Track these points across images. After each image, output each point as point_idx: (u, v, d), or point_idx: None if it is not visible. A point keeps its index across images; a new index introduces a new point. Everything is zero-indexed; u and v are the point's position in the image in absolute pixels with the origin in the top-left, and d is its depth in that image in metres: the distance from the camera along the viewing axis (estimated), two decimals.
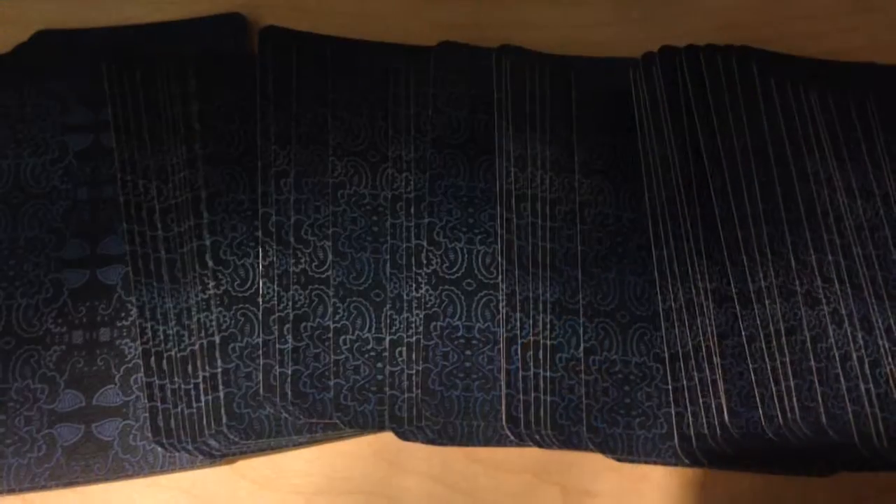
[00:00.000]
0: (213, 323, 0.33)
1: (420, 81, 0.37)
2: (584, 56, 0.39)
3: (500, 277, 0.34)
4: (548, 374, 0.33)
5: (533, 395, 0.33)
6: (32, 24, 0.37)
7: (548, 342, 0.33)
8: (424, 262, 0.34)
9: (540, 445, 0.33)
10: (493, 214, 0.35)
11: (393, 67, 0.37)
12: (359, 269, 0.34)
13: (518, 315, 0.33)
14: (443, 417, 0.33)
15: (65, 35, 0.37)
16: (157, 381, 0.32)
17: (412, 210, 0.35)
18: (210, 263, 0.33)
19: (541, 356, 0.33)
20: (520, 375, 0.33)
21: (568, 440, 0.33)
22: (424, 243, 0.35)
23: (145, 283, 0.33)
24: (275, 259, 0.34)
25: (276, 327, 0.33)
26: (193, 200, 0.34)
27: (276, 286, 0.33)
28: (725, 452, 0.33)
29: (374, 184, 0.35)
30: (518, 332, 0.33)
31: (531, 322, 0.34)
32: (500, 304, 0.34)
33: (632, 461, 0.33)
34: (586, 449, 0.33)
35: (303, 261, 0.34)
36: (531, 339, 0.33)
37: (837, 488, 0.34)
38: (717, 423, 0.32)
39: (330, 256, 0.34)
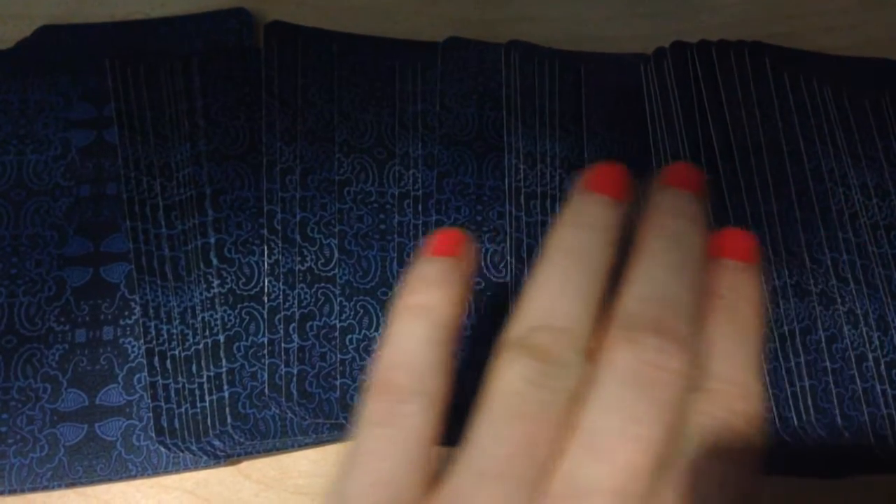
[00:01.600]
0: (218, 322, 0.32)
1: (427, 78, 0.37)
2: (594, 51, 0.38)
3: (509, 276, 0.34)
4: None
5: None
6: (36, 19, 0.37)
7: None
8: None
9: None
10: (502, 212, 0.35)
11: (400, 63, 0.37)
12: (365, 267, 0.34)
13: None
14: (450, 418, 0.32)
15: (68, 30, 0.37)
16: (160, 381, 0.32)
17: (419, 208, 0.35)
18: (214, 261, 0.33)
19: None
20: None
21: None
22: None
23: (149, 282, 0.33)
24: (280, 257, 0.33)
25: (282, 326, 0.33)
26: (198, 197, 0.33)
27: (281, 284, 0.33)
28: None
29: (380, 181, 0.35)
30: None
31: None
32: (510, 303, 0.33)
33: None
34: None
35: (309, 259, 0.34)
36: None
37: (851, 491, 0.33)
38: None
39: (336, 254, 0.34)
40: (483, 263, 0.34)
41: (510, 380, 0.21)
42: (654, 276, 0.22)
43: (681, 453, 0.21)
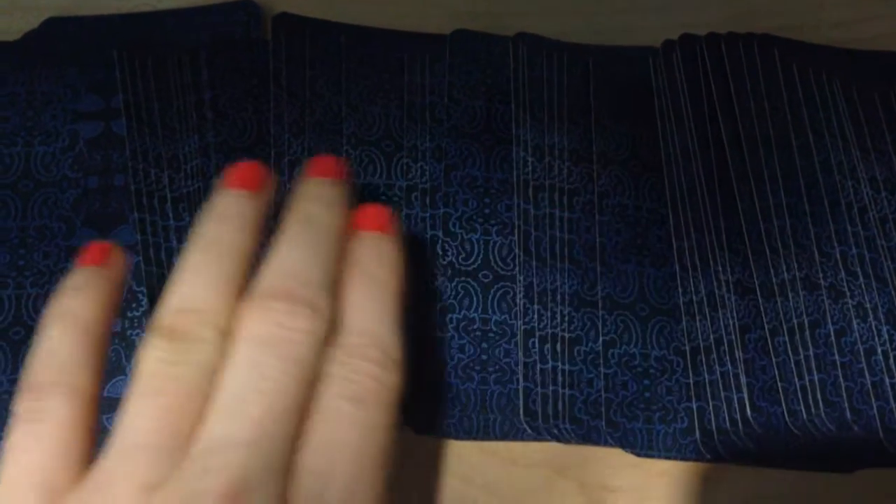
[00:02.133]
0: None
1: (435, 70, 0.36)
2: (602, 44, 0.38)
3: (517, 269, 0.34)
4: (566, 367, 0.32)
5: (551, 388, 0.32)
6: (43, 11, 0.37)
7: (566, 335, 0.33)
8: (440, 253, 0.34)
9: (558, 439, 0.32)
10: (510, 205, 0.35)
11: (408, 55, 0.37)
12: None
13: (536, 307, 0.33)
14: (459, 411, 0.32)
15: (75, 22, 0.37)
16: None
17: (427, 200, 0.35)
18: None
19: (559, 349, 0.33)
20: (538, 368, 0.32)
21: (587, 434, 0.32)
22: (440, 234, 0.34)
23: (157, 274, 0.32)
24: None
25: None
26: (206, 189, 0.33)
27: None
28: (747, 448, 0.32)
29: (388, 174, 0.35)
30: (536, 324, 0.33)
31: (549, 314, 0.33)
32: (518, 296, 0.33)
33: (652, 456, 0.32)
34: (605, 444, 0.32)
35: None
36: (549, 331, 0.33)
37: (861, 485, 0.33)
38: (739, 417, 0.32)
39: None
40: (491, 256, 0.34)
41: (148, 361, 0.24)
42: (285, 253, 0.25)
43: (319, 402, 0.24)
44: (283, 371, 0.23)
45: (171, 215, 0.33)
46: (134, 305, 0.33)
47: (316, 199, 0.27)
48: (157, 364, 0.23)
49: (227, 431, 0.22)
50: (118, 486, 0.22)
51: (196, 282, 0.25)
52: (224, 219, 0.26)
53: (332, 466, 0.23)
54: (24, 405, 0.24)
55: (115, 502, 0.22)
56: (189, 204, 0.33)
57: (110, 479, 0.22)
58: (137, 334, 0.32)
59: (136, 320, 0.33)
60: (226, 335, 0.24)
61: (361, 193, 0.34)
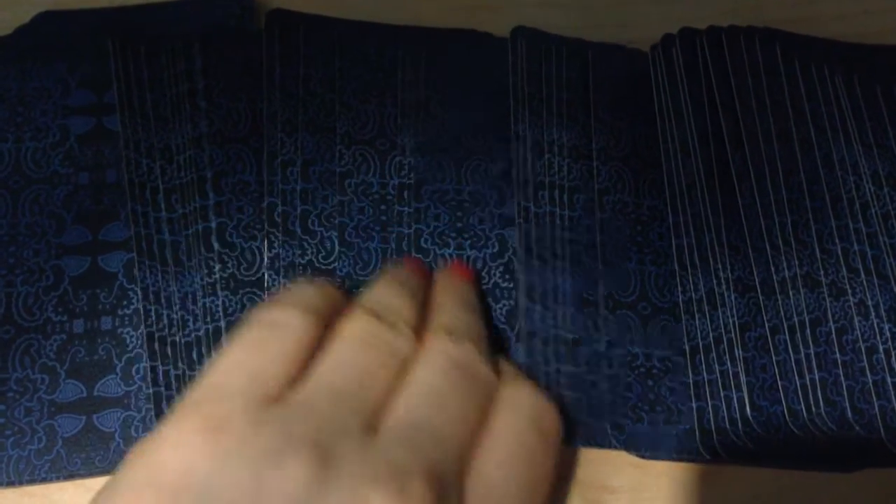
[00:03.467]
0: (219, 308, 0.32)
1: (431, 66, 0.36)
2: (602, 38, 0.38)
3: (517, 268, 0.33)
4: (569, 369, 0.32)
5: (554, 391, 0.32)
6: (35, 5, 0.36)
7: (568, 335, 0.32)
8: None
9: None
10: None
11: (403, 52, 0.36)
12: (366, 259, 0.33)
13: (537, 307, 0.32)
14: None
15: (67, 16, 0.36)
16: (160, 367, 0.31)
17: None
18: (216, 246, 0.32)
19: (562, 350, 0.32)
20: (541, 371, 0.32)
21: (591, 437, 0.31)
22: None
23: (149, 266, 0.32)
24: (281, 250, 0.33)
25: None
26: (199, 181, 0.33)
27: (282, 278, 0.33)
28: (747, 447, 0.32)
29: (382, 172, 0.34)
30: (538, 325, 0.32)
31: (551, 315, 0.33)
32: (520, 296, 0.33)
33: (658, 458, 0.32)
34: (611, 447, 0.32)
35: (309, 252, 0.33)
36: (552, 332, 0.32)
37: (861, 485, 0.33)
38: (739, 417, 0.31)
39: (337, 247, 0.33)
40: (490, 253, 0.34)
41: (354, 328, 0.27)
42: (451, 316, 0.30)
43: (502, 421, 0.27)
44: (470, 391, 0.27)
45: (163, 206, 0.33)
46: (125, 303, 0.32)
47: (457, 282, 0.32)
48: (361, 332, 0.27)
49: (427, 418, 0.25)
50: (318, 417, 0.24)
51: (393, 296, 0.29)
52: (406, 273, 0.32)
53: (509, 484, 0.26)
54: (264, 314, 0.27)
55: (314, 430, 0.24)
56: (182, 195, 0.33)
57: (311, 409, 0.25)
58: (128, 332, 0.32)
59: (126, 318, 0.32)
60: (415, 339, 0.28)
61: (355, 191, 0.34)
